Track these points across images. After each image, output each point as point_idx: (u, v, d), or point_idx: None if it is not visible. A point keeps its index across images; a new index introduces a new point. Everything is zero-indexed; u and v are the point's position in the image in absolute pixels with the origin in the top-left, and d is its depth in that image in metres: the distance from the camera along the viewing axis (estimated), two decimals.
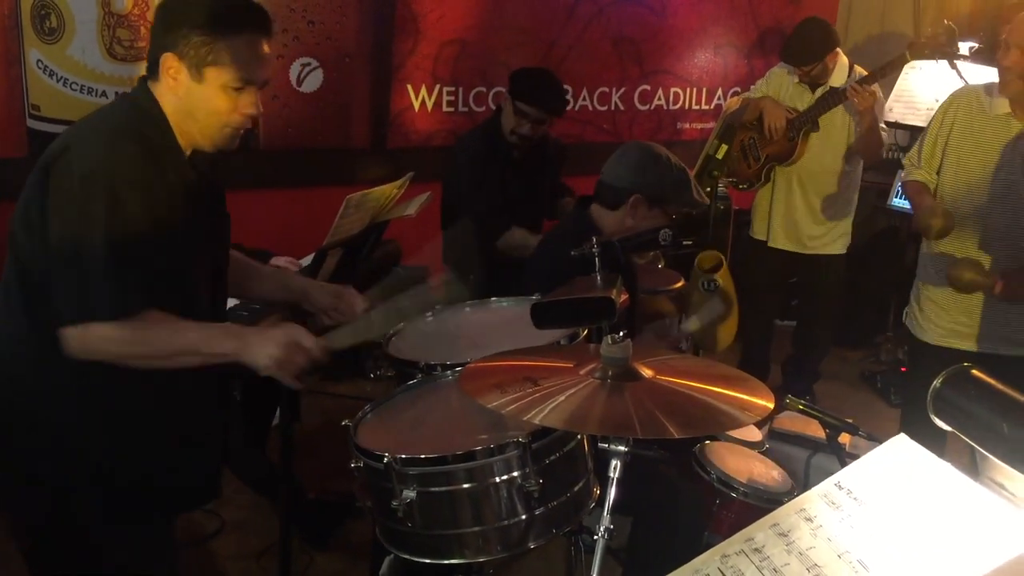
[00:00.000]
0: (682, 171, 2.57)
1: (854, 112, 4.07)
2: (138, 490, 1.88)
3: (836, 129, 4.20)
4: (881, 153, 4.47)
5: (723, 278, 3.03)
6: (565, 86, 5.14)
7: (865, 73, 4.05)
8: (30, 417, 1.83)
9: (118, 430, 1.84)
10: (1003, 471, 1.14)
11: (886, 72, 4.02)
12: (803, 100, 4.21)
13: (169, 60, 1.79)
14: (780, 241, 4.39)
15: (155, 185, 1.77)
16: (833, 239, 4.37)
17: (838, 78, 4.17)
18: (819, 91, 4.17)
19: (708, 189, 3.79)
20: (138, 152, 1.76)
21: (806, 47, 4.13)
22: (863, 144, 4.15)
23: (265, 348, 1.79)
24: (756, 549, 1.21)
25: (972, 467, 1.29)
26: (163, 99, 1.83)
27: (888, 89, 4.91)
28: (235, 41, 1.78)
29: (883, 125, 4.24)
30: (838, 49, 4.18)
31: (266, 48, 1.85)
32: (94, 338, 1.72)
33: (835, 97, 4.09)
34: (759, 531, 1.23)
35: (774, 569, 1.17)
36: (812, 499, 1.25)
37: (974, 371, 1.18)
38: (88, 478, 1.84)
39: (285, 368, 1.81)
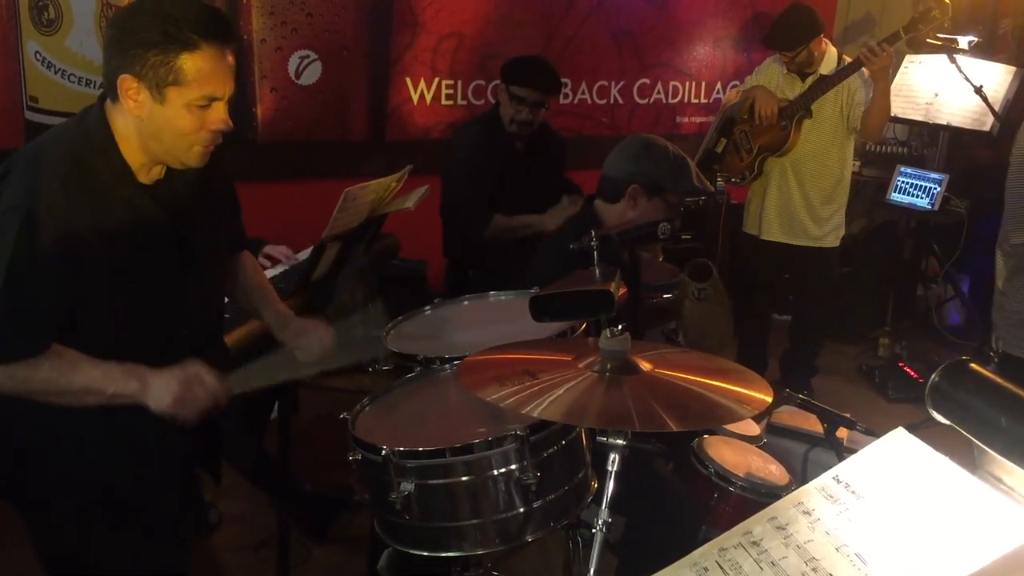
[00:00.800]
0: (680, 159, 2.56)
1: (864, 80, 4.04)
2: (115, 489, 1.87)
3: (828, 118, 4.19)
4: (884, 127, 4.44)
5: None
6: (564, 79, 5.14)
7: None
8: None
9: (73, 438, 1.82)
10: (1001, 465, 1.14)
11: (899, 35, 3.99)
12: (794, 90, 4.21)
13: (127, 82, 1.68)
14: (774, 234, 4.37)
15: (81, 220, 1.68)
16: (827, 232, 4.37)
17: (827, 66, 4.17)
18: (809, 79, 4.17)
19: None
20: (64, 188, 1.67)
21: (789, 33, 4.12)
22: (871, 113, 4.09)
23: (165, 388, 1.75)
24: (754, 542, 1.21)
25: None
26: (121, 121, 1.74)
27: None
28: (194, 56, 1.67)
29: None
30: (823, 36, 4.17)
31: (230, 59, 1.74)
32: None
33: (829, 81, 4.08)
34: (757, 524, 1.23)
35: (772, 562, 1.17)
36: (810, 493, 1.25)
37: (972, 364, 1.18)
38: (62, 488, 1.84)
39: (185, 406, 1.76)
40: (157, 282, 1.82)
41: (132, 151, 1.76)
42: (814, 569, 1.14)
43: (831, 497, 1.22)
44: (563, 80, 5.12)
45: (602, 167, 2.66)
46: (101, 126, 1.75)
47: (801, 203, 4.31)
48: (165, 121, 1.71)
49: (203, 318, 1.98)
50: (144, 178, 1.80)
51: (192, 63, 1.67)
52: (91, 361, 1.73)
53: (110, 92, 1.73)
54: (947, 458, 1.18)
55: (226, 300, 2.14)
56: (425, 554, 1.76)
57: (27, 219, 1.63)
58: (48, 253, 1.65)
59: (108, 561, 1.88)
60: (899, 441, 1.24)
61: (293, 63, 4.48)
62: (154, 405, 1.75)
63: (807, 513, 1.21)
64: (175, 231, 1.84)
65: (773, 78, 4.30)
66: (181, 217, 1.86)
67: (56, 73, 3.85)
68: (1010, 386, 1.13)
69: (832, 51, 4.23)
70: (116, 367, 1.75)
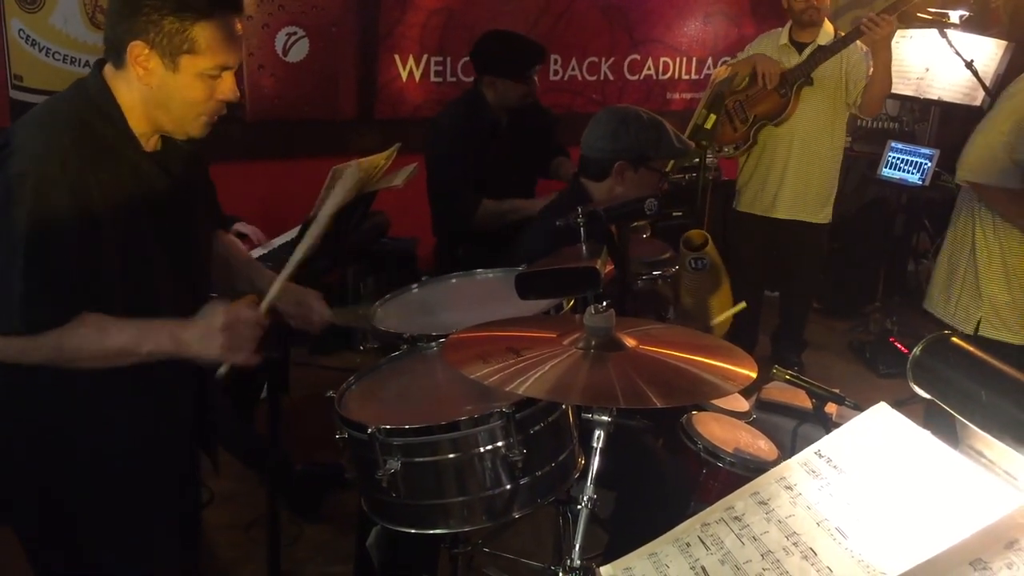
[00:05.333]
0: (655, 123, 2.55)
1: (865, 52, 4.03)
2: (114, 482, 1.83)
3: (828, 92, 4.18)
4: (884, 101, 4.43)
5: (711, 254, 3.02)
6: (554, 55, 5.12)
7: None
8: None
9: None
10: (982, 439, 1.14)
11: (898, 6, 3.97)
12: (791, 62, 4.19)
13: (137, 48, 1.64)
14: (765, 209, 4.37)
15: (93, 183, 1.64)
16: (821, 207, 4.36)
17: (823, 40, 4.15)
18: (806, 51, 4.15)
19: (696, 160, 3.77)
20: (75, 149, 1.64)
21: None
22: (873, 86, 4.08)
23: (208, 339, 1.70)
24: (736, 517, 1.21)
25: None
26: (125, 88, 1.70)
27: None
28: (210, 24, 1.65)
29: None
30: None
31: (239, 27, 1.71)
32: (12, 351, 1.64)
33: (827, 51, 4.06)
34: (739, 500, 1.24)
35: (753, 537, 1.17)
36: (792, 467, 1.25)
37: (954, 339, 1.18)
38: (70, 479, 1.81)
39: (238, 350, 1.73)
40: (162, 249, 1.79)
41: (136, 119, 1.73)
42: (795, 544, 1.14)
43: (813, 472, 1.23)
44: (553, 56, 5.11)
45: (580, 145, 2.65)
46: (103, 92, 1.71)
47: (793, 180, 4.30)
48: (176, 90, 1.69)
49: (199, 287, 1.96)
50: (147, 146, 1.78)
51: (206, 32, 1.65)
52: (119, 323, 1.68)
53: (115, 58, 1.70)
54: (928, 432, 1.18)
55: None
56: (412, 531, 1.76)
57: (40, 182, 1.59)
58: (65, 216, 1.61)
59: (105, 549, 1.86)
60: (881, 416, 1.24)
61: (280, 40, 4.45)
62: (204, 357, 1.72)
63: (789, 488, 1.22)
64: (177, 200, 1.82)
65: (768, 52, 4.27)
66: (180, 187, 1.84)
67: (40, 51, 3.82)
68: (991, 360, 1.14)
69: (828, 25, 4.21)
70: (148, 325, 1.71)
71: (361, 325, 2.16)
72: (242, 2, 1.75)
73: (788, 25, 4.29)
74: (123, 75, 1.70)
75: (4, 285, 1.60)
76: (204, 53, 1.67)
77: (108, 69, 1.73)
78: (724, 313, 2.98)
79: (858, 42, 4.01)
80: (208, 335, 1.70)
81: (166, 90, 1.69)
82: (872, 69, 4.05)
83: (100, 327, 1.67)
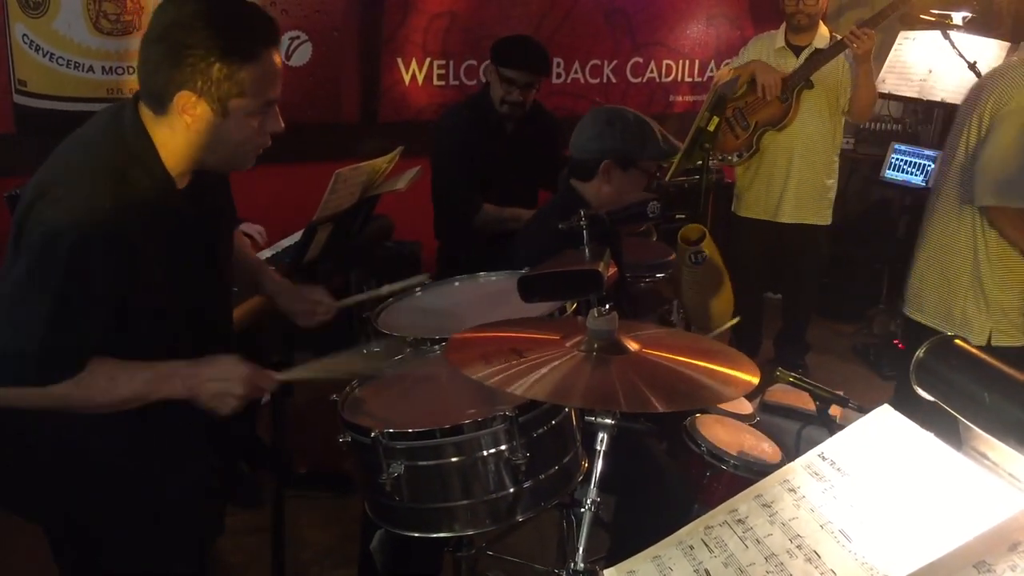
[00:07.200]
0: (643, 124, 2.55)
1: (850, 60, 4.04)
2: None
3: (827, 94, 4.18)
4: (873, 109, 4.45)
5: (708, 248, 3.02)
6: (556, 59, 5.12)
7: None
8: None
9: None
10: (985, 441, 1.14)
11: (885, 14, 3.98)
12: (787, 65, 4.19)
13: (185, 98, 1.62)
14: (770, 214, 4.37)
15: (130, 236, 1.62)
16: (820, 209, 4.36)
17: (819, 43, 4.15)
18: (803, 54, 4.15)
19: (699, 162, 3.77)
20: (114, 206, 1.60)
21: None
22: (858, 96, 4.09)
23: (223, 401, 1.73)
24: (739, 520, 1.21)
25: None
26: (168, 134, 1.68)
27: (881, 61, 4.89)
28: (257, 65, 1.63)
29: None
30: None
31: (278, 60, 1.70)
32: (21, 395, 1.63)
33: (824, 55, 4.06)
34: (743, 502, 1.24)
35: (757, 540, 1.17)
36: (796, 470, 1.25)
37: (957, 341, 1.18)
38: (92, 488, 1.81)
39: (239, 408, 1.77)
40: (191, 283, 1.80)
41: (175, 162, 1.71)
42: (799, 546, 1.14)
43: (816, 474, 1.23)
44: (556, 59, 5.10)
45: (569, 147, 2.65)
46: (142, 139, 1.68)
47: (794, 183, 4.29)
48: (226, 133, 1.68)
49: (223, 309, 1.99)
50: (180, 184, 1.77)
51: (253, 72, 1.64)
52: (129, 370, 1.67)
53: (157, 107, 1.66)
54: (931, 434, 1.18)
55: None
56: (416, 535, 1.76)
57: (77, 243, 1.57)
58: (99, 277, 1.60)
59: (129, 558, 1.86)
60: (884, 418, 1.24)
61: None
62: (211, 410, 1.74)
63: (792, 491, 1.22)
64: (205, 232, 1.84)
65: (764, 56, 4.27)
66: (210, 217, 1.85)
67: (44, 56, 3.82)
68: (994, 362, 1.13)
69: (824, 28, 4.21)
70: (159, 374, 1.70)
71: (372, 306, 2.19)
72: (279, 33, 1.72)
73: (783, 28, 4.29)
74: (166, 121, 1.67)
75: (28, 335, 1.58)
76: (252, 94, 1.65)
77: (146, 112, 1.69)
78: (721, 328, 3.00)
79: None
80: (224, 397, 1.73)
81: (216, 134, 1.68)
82: (856, 78, 4.06)
83: (110, 376, 1.66)
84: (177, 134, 1.68)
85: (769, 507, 1.21)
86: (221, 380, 1.73)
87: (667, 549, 1.23)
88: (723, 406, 2.79)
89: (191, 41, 1.59)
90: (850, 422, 1.30)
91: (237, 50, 1.61)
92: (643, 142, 2.53)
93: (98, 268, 1.59)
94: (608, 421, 1.53)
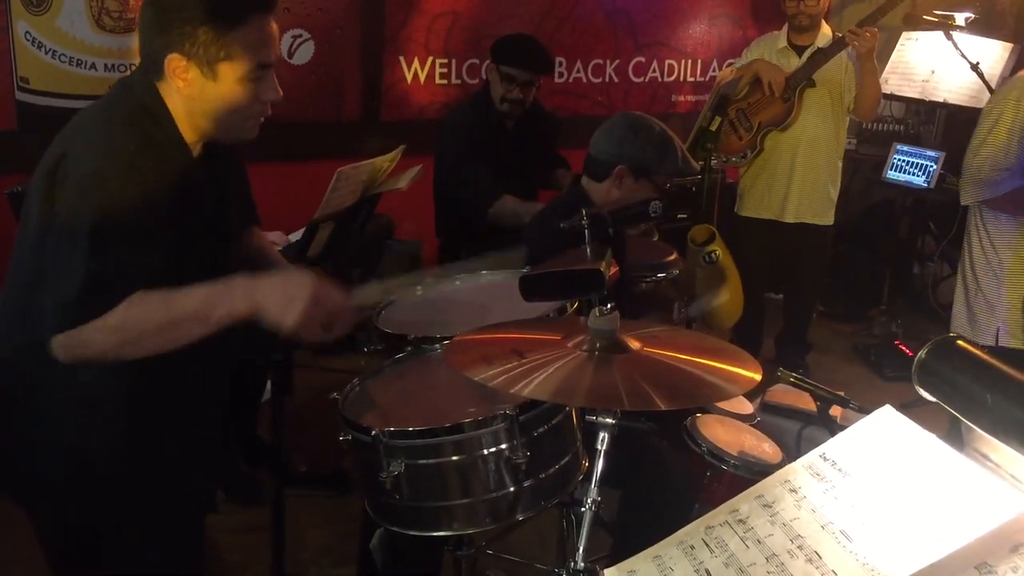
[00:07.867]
0: (666, 140, 2.54)
1: (853, 59, 4.03)
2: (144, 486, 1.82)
3: (831, 94, 4.17)
4: (878, 108, 4.44)
5: (719, 248, 3.01)
6: (559, 58, 5.12)
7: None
8: (32, 418, 1.77)
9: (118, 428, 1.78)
10: (987, 442, 1.13)
11: (884, 11, 3.97)
12: (790, 66, 4.18)
13: (175, 61, 1.65)
14: (773, 213, 4.36)
15: (153, 183, 1.64)
16: (823, 210, 4.35)
17: (822, 42, 4.15)
18: (806, 54, 4.15)
19: (702, 162, 3.77)
20: (138, 148, 1.64)
21: None
22: (863, 95, 4.09)
23: (291, 307, 1.64)
24: (740, 520, 1.21)
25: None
26: (171, 99, 1.71)
27: (884, 61, 4.88)
28: (245, 29, 1.65)
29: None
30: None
31: (274, 26, 1.71)
32: (82, 340, 1.61)
33: (826, 54, 4.05)
34: (744, 502, 1.23)
35: (758, 540, 1.17)
36: (797, 470, 1.24)
37: (959, 342, 1.18)
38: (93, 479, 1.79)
39: (313, 326, 1.69)
40: (204, 254, 1.79)
41: (184, 128, 1.74)
42: (799, 547, 1.14)
43: (818, 475, 1.22)
44: (558, 59, 5.11)
45: (589, 144, 2.65)
46: (156, 99, 1.71)
47: (798, 183, 4.29)
48: (218, 97, 1.69)
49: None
50: (194, 152, 1.78)
51: (243, 36, 1.65)
52: (184, 290, 1.65)
53: (154, 72, 1.69)
54: (933, 435, 1.17)
55: None
56: (416, 533, 1.76)
57: (106, 182, 1.60)
58: (129, 215, 1.61)
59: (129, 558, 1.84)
60: (886, 419, 1.24)
61: (286, 42, 4.45)
62: (276, 322, 1.65)
63: (793, 491, 1.21)
64: (216, 208, 1.83)
65: (767, 55, 4.27)
66: (222, 198, 1.86)
67: (47, 53, 3.82)
68: (996, 363, 1.13)
69: (826, 27, 4.21)
70: (217, 288, 1.67)
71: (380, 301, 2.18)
72: (274, 2, 1.73)
73: (785, 28, 4.28)
74: (165, 88, 1.71)
75: (72, 272, 1.58)
76: (241, 57, 1.66)
77: (152, 79, 1.72)
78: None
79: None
80: (292, 302, 1.65)
81: (208, 99, 1.69)
82: (860, 76, 4.05)
83: (164, 296, 1.64)
84: (175, 100, 1.70)
85: (770, 507, 1.21)
86: (284, 288, 1.68)
87: (668, 549, 1.22)
88: (723, 406, 2.79)
89: (178, 4, 1.64)
90: (851, 422, 1.29)
91: (223, 14, 1.63)
92: (662, 157, 2.53)
93: (129, 200, 1.61)
94: (609, 420, 1.52)
